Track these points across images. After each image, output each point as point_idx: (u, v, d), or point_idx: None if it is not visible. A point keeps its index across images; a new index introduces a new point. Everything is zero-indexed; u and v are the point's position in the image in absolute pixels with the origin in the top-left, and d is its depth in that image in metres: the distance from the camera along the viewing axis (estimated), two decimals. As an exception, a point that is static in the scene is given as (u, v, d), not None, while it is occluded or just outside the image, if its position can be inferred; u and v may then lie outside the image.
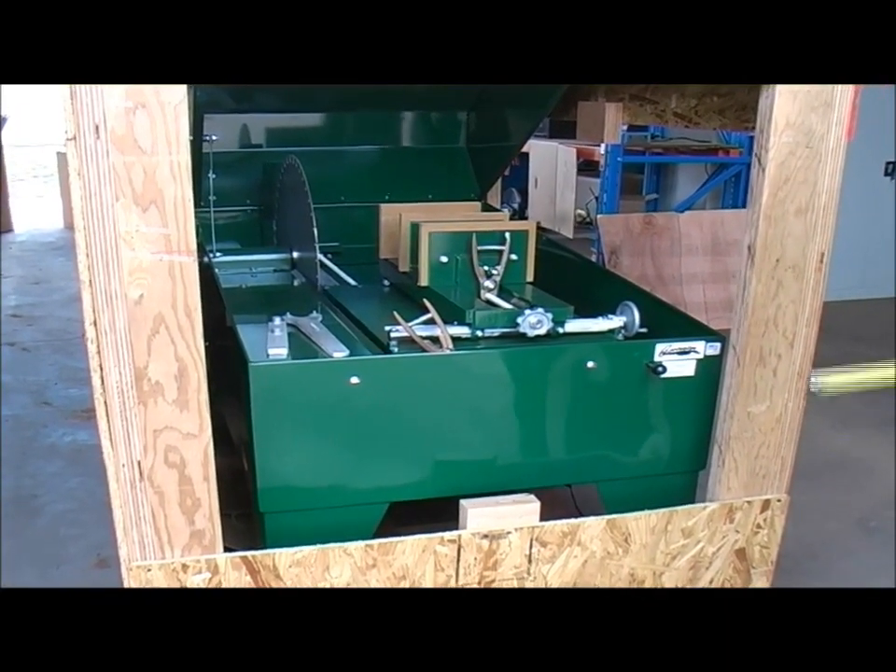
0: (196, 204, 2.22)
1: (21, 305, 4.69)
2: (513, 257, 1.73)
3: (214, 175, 2.15)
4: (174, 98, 1.12)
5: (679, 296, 4.07)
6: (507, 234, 1.71)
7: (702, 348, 1.54)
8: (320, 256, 2.31)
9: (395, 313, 1.49)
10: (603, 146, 4.52)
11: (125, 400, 1.21)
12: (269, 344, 1.51)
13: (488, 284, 1.66)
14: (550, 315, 1.53)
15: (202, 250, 2.09)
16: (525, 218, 5.45)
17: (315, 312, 1.70)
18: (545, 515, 1.47)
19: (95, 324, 1.18)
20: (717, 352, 1.54)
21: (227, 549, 1.39)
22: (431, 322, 1.52)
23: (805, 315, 1.44)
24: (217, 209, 2.26)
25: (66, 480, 2.59)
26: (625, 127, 4.52)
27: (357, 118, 2.47)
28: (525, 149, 5.38)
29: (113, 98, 1.10)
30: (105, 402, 1.21)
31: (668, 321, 1.68)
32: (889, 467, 2.74)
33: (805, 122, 1.33)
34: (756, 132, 1.37)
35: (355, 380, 1.39)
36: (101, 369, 1.19)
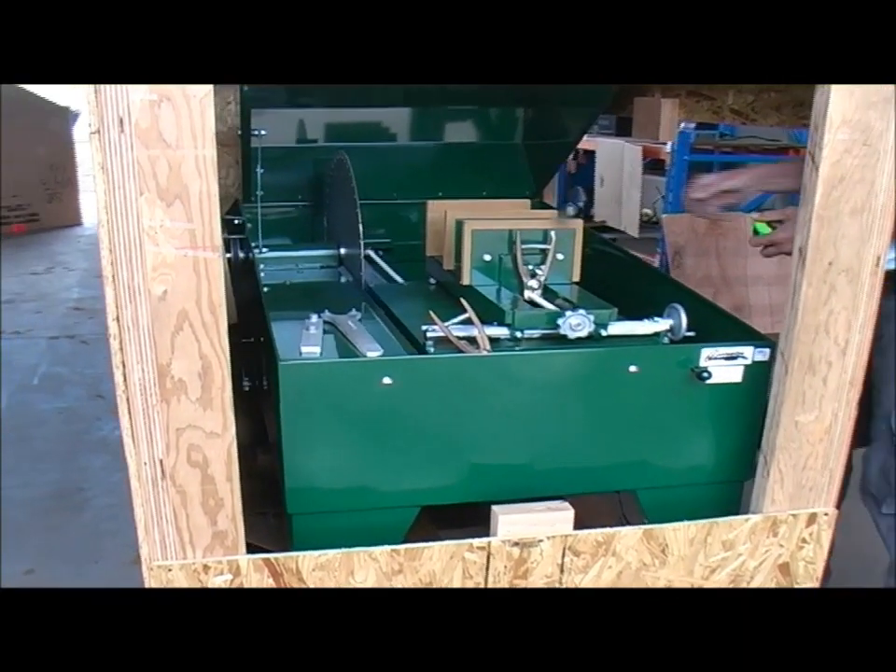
0: (246, 200, 2.26)
1: (84, 298, 4.79)
2: (559, 256, 1.68)
3: (262, 170, 2.14)
4: (199, 91, 1.10)
5: (744, 298, 3.96)
6: (552, 233, 1.66)
7: (750, 354, 1.47)
8: (369, 252, 2.31)
9: (431, 312, 1.45)
10: (669, 144, 4.43)
11: (147, 398, 1.20)
12: (302, 342, 1.49)
13: (532, 283, 1.62)
14: (591, 317, 1.48)
15: (248, 246, 2.10)
16: (590, 218, 5.43)
17: (354, 310, 1.68)
18: (589, 523, 1.43)
19: (118, 320, 1.17)
20: (766, 358, 1.47)
21: (259, 549, 1.38)
22: (469, 322, 1.48)
23: (859, 322, 1.36)
24: (267, 205, 2.25)
25: (111, 474, 2.62)
26: (693, 125, 4.42)
27: (412, 113, 2.44)
28: (591, 147, 5.33)
29: (137, 91, 1.08)
30: (128, 399, 1.20)
31: (717, 325, 1.61)
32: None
33: (862, 119, 1.25)
34: (810, 129, 1.30)
35: (387, 380, 1.36)
36: (123, 365, 1.19)
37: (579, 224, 1.70)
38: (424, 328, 1.47)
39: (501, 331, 1.50)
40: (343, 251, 2.12)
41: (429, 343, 1.46)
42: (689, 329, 1.55)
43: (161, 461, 1.24)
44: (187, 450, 1.24)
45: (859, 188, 1.29)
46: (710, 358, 1.45)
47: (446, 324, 1.46)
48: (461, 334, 1.46)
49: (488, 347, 1.43)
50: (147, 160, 1.11)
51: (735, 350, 1.46)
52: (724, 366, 1.46)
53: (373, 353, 1.45)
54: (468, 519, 1.51)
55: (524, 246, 1.64)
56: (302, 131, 2.38)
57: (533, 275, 1.62)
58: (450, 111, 2.47)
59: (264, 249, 2.13)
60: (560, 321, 1.47)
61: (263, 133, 2.11)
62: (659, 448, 1.51)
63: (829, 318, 1.36)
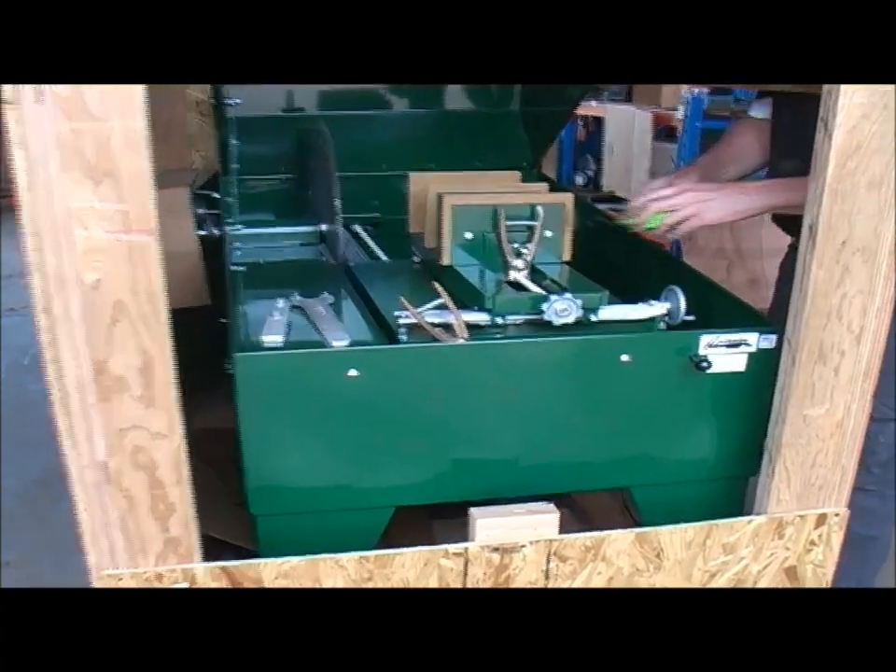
0: (225, 173, 2.14)
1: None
2: (547, 233, 1.55)
3: (237, 142, 2.02)
4: (128, 55, 0.98)
5: (759, 271, 3.80)
6: (539, 208, 1.53)
7: (755, 341, 1.34)
8: (356, 227, 2.18)
9: (402, 298, 1.33)
10: (681, 109, 4.25)
11: (85, 396, 1.09)
12: (265, 330, 1.38)
13: (518, 263, 1.49)
14: (579, 302, 1.35)
15: (220, 222, 1.98)
16: (599, 187, 5.26)
17: (326, 293, 1.56)
18: (591, 523, 1.32)
19: (47, 311, 1.05)
20: (772, 345, 1.35)
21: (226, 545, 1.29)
22: (446, 307, 1.36)
23: (875, 306, 1.23)
24: (247, 178, 2.13)
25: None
26: (706, 90, 4.24)
27: (403, 80, 2.31)
28: (600, 114, 5.16)
29: (58, 56, 0.96)
30: (64, 398, 1.09)
31: (720, 308, 1.49)
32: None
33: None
34: (823, 92, 1.16)
35: (353, 372, 1.25)
36: (56, 361, 1.07)
37: (568, 198, 1.57)
38: (396, 314, 1.34)
39: (481, 317, 1.37)
40: (323, 227, 1.99)
41: (402, 330, 1.34)
42: (688, 313, 1.43)
43: (104, 464, 1.13)
44: (132, 452, 1.13)
45: (877, 157, 1.16)
46: (710, 346, 1.33)
47: (420, 309, 1.33)
48: (436, 321, 1.34)
49: (465, 335, 1.31)
50: (71, 133, 0.99)
51: (737, 337, 1.34)
52: (726, 354, 1.34)
53: (339, 342, 1.33)
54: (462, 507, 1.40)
55: (508, 223, 1.51)
56: (283, 99, 2.25)
57: (518, 255, 1.50)
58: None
59: (239, 226, 2.00)
60: (544, 306, 1.34)
61: (238, 101, 1.98)
62: (655, 442, 1.39)
63: (842, 303, 1.23)
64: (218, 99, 1.99)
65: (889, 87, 1.12)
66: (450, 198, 1.53)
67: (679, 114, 4.33)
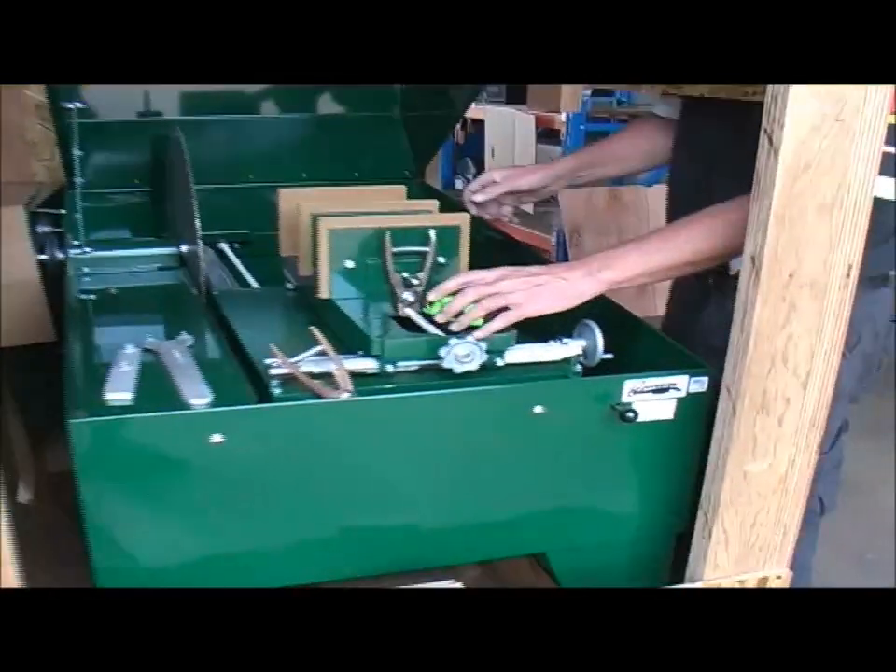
0: (71, 187, 1.86)
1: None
2: (441, 260, 1.34)
3: (81, 152, 1.74)
4: None
5: (647, 279, 3.70)
6: (431, 232, 1.32)
7: (684, 384, 1.17)
8: (222, 246, 1.94)
9: (273, 346, 1.10)
10: (564, 113, 4.12)
11: None
12: (109, 384, 1.12)
13: (407, 296, 1.27)
14: (483, 345, 1.15)
15: (65, 244, 1.71)
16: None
17: (184, 333, 1.31)
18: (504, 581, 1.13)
19: None
20: (704, 388, 1.18)
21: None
22: (326, 353, 1.14)
23: (824, 348, 1.07)
24: (98, 192, 1.86)
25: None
26: (588, 92, 4.13)
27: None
28: (479, 116, 4.99)
29: None
30: None
31: (639, 341, 1.32)
32: (888, 489, 2.41)
33: (834, 87, 0.95)
34: (767, 99, 0.99)
35: (217, 438, 1.02)
36: None
37: (464, 219, 1.36)
38: (267, 362, 1.11)
39: (368, 364, 1.15)
40: (184, 249, 1.73)
41: (274, 383, 1.11)
42: (606, 351, 1.24)
43: None
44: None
45: (828, 178, 0.99)
46: (635, 392, 1.15)
47: (296, 358, 1.11)
48: (316, 370, 1.11)
49: (349, 388, 1.09)
50: None
51: (666, 381, 1.16)
52: (652, 400, 1.16)
53: (199, 400, 1.09)
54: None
55: (396, 249, 1.30)
56: (137, 102, 1.98)
57: (408, 285, 1.28)
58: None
59: (87, 249, 1.72)
60: (443, 351, 1.13)
61: (80, 106, 1.71)
62: (573, 502, 1.20)
63: (787, 345, 1.06)
64: (55, 102, 1.71)
65: (844, 95, 0.96)
66: (326, 221, 1.30)
67: (563, 116, 4.21)
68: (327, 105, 2.11)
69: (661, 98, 1.64)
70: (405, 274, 1.30)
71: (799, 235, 1.01)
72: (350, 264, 1.32)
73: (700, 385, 1.18)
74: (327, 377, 1.11)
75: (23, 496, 1.81)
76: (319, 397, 1.08)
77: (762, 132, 1.00)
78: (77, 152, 1.74)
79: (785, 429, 1.11)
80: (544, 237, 4.13)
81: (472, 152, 5.28)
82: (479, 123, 5.11)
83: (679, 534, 1.26)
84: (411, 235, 1.32)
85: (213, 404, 1.08)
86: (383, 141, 2.11)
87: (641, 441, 1.19)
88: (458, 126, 5.42)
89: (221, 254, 1.92)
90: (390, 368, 1.15)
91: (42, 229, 1.80)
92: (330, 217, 1.31)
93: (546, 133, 4.86)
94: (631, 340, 1.31)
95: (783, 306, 1.04)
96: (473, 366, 1.14)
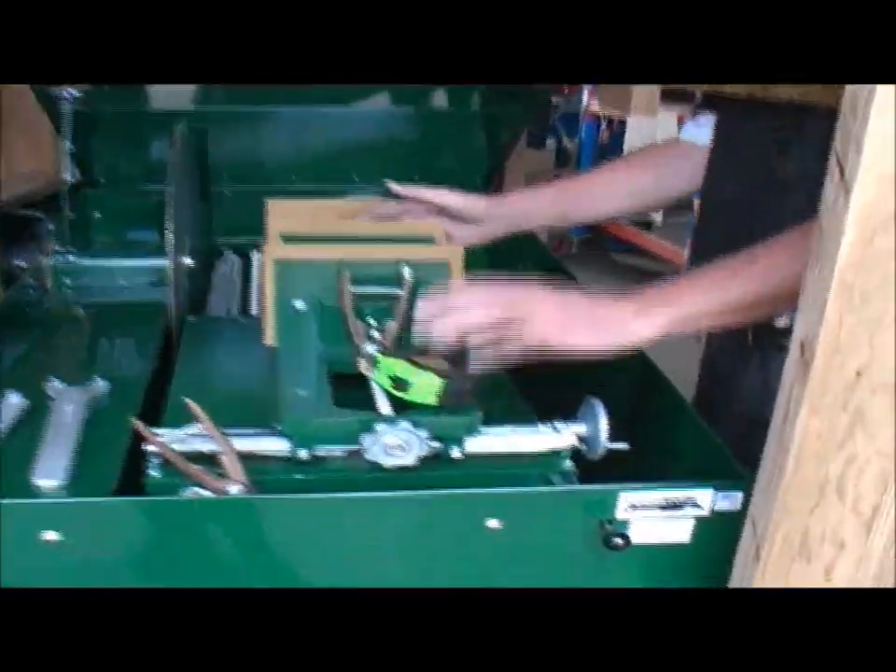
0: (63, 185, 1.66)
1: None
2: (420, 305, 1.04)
3: (73, 147, 1.56)
4: None
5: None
6: (404, 269, 1.02)
7: (707, 501, 0.86)
8: (255, 256, 1.69)
9: (136, 422, 0.83)
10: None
11: None
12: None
13: (368, 350, 0.98)
14: (425, 434, 0.85)
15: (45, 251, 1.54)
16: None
17: (97, 378, 1.05)
18: None
19: None
20: (735, 507, 0.86)
21: None
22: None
23: (901, 476, 0.74)
24: (101, 193, 1.68)
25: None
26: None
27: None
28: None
29: None
30: None
31: (676, 430, 1.00)
32: None
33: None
34: (844, 108, 0.66)
35: (51, 535, 0.75)
36: None
37: (455, 253, 1.06)
38: (156, 432, 0.84)
39: (280, 446, 0.87)
40: (187, 262, 1.50)
41: (152, 463, 0.84)
42: (616, 439, 0.93)
43: None
44: None
45: (920, 232, 0.66)
46: (634, 507, 0.84)
47: (178, 431, 0.83)
48: (205, 449, 0.84)
49: (241, 478, 0.81)
50: None
51: (680, 494, 0.84)
52: (661, 518, 0.85)
53: (45, 481, 0.83)
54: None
55: (359, 290, 1.01)
56: (148, 93, 1.75)
57: (370, 338, 0.99)
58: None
59: (70, 257, 1.53)
60: (366, 440, 0.84)
61: (76, 94, 1.52)
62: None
63: (847, 470, 0.73)
64: (44, 90, 1.53)
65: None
66: (275, 248, 1.02)
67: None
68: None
69: (691, 121, 1.31)
70: (370, 321, 1.02)
71: (875, 316, 0.68)
72: (299, 305, 1.03)
73: (731, 502, 0.86)
74: (218, 460, 0.84)
75: None
76: (206, 488, 0.81)
77: (831, 156, 0.68)
78: (68, 145, 1.56)
79: (835, 584, 0.77)
80: (676, 249, 3.75)
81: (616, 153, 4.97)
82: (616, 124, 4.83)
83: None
84: (382, 271, 1.03)
85: (62, 487, 0.83)
86: (456, 138, 1.79)
87: (642, 571, 0.88)
88: (604, 125, 5.08)
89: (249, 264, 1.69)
90: (303, 454, 0.86)
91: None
92: (282, 246, 1.03)
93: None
94: (662, 425, 0.99)
95: (843, 417, 0.70)
96: (407, 460, 0.84)
